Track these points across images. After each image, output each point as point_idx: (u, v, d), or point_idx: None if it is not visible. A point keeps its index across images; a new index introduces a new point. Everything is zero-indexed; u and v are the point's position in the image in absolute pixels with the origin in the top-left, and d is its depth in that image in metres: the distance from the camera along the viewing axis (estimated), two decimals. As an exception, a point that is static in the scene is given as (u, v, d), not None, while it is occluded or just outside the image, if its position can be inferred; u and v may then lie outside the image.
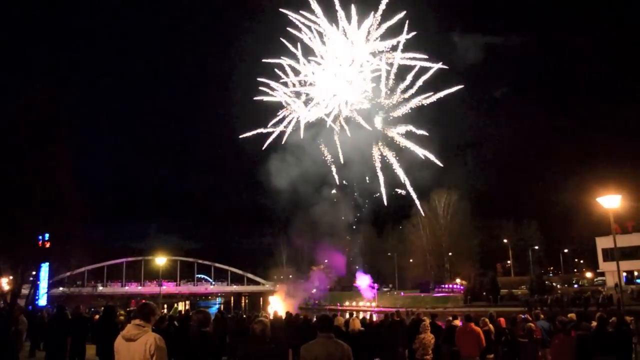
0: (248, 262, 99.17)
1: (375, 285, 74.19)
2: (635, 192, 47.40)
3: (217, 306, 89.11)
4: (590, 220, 54.73)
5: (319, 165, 61.94)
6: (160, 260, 51.33)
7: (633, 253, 53.92)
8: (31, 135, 28.90)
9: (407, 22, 54.33)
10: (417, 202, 67.14)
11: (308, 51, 59.76)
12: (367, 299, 71.66)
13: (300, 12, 56.90)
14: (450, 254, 75.43)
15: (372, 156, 62.56)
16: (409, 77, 57.87)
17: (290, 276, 78.63)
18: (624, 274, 53.24)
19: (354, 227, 74.34)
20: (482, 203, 77.83)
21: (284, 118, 62.13)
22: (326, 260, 66.89)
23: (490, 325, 12.18)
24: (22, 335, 12.79)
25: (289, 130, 61.10)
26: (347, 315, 15.96)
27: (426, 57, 56.24)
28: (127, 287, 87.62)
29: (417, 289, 74.96)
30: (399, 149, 62.30)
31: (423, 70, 57.60)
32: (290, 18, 57.15)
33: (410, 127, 59.92)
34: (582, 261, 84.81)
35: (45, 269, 31.86)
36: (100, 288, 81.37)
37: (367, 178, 66.41)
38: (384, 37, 57.07)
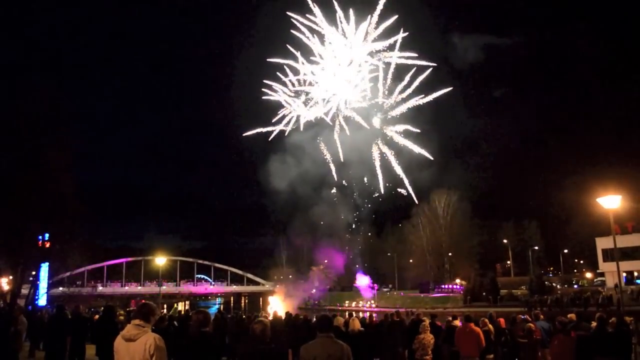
0: (248, 263, 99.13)
1: (375, 285, 74.23)
2: (635, 192, 47.46)
3: (216, 306, 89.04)
4: (590, 221, 54.82)
5: (318, 165, 62.10)
6: (160, 261, 51.35)
7: (633, 253, 53.93)
8: (31, 135, 28.91)
9: (402, 26, 55.08)
10: (417, 201, 67.50)
11: (308, 52, 60.01)
12: (366, 299, 71.66)
13: (304, 15, 57.42)
14: (450, 254, 75.45)
15: (372, 155, 62.76)
16: (407, 77, 58.37)
17: (290, 276, 78.58)
18: (624, 274, 53.25)
19: (354, 227, 74.42)
20: (482, 203, 78.00)
21: (284, 117, 62.32)
22: (326, 261, 66.91)
23: (490, 326, 12.18)
24: (22, 335, 12.78)
25: (289, 128, 61.30)
26: (347, 316, 15.92)
27: (416, 55, 56.81)
28: (126, 287, 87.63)
29: (416, 289, 74.94)
30: (398, 148, 62.54)
31: (419, 71, 58.09)
32: (293, 21, 57.57)
33: (408, 127, 60.28)
34: (582, 261, 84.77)
35: (45, 269, 31.86)
36: (100, 288, 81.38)
37: (365, 179, 66.63)
38: (381, 37, 57.57)
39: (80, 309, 12.93)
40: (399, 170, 62.83)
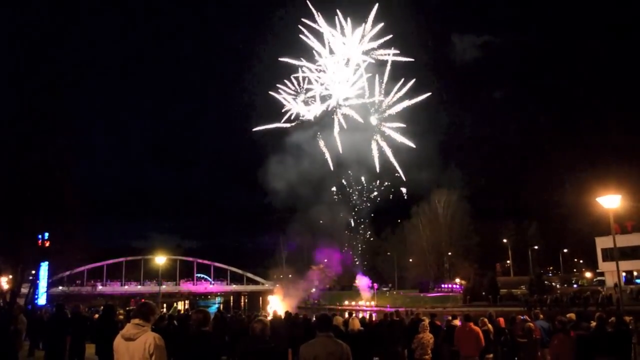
0: (247, 262, 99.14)
1: (375, 284, 74.25)
2: (635, 192, 47.42)
3: (216, 305, 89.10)
4: (590, 220, 54.79)
5: (318, 164, 62.19)
6: (160, 260, 51.25)
7: (633, 253, 53.94)
8: (31, 134, 28.92)
9: (391, 29, 56.33)
10: (406, 196, 67.97)
11: (313, 54, 60.92)
12: (365, 299, 71.74)
13: (311, 20, 58.90)
14: (449, 253, 75.45)
15: (370, 154, 63.06)
16: (400, 83, 59.48)
17: (290, 276, 78.60)
18: (624, 274, 53.27)
19: (353, 226, 74.53)
20: (481, 203, 77.99)
21: (289, 114, 62.71)
22: (325, 260, 66.95)
23: (489, 325, 12.18)
24: (22, 334, 12.77)
25: (288, 125, 61.78)
26: (347, 315, 15.94)
27: (398, 52, 58.52)
28: (126, 287, 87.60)
29: (416, 289, 74.97)
30: (396, 146, 62.86)
31: (412, 73, 59.47)
32: (301, 28, 59.12)
33: (400, 124, 61.03)
34: (581, 261, 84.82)
35: (44, 268, 31.84)
36: (100, 287, 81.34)
37: (363, 178, 66.91)
38: (373, 38, 59.17)
39: (80, 308, 12.92)
40: (395, 162, 63.30)
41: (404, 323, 13.58)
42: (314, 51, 61.47)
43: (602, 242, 58.62)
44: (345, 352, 5.07)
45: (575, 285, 67.69)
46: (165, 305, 64.54)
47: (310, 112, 62.08)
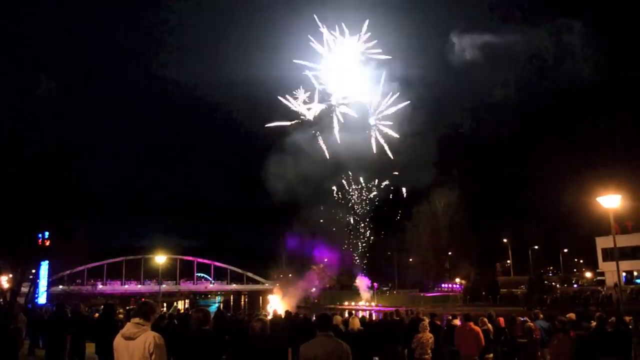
0: (248, 261, 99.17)
1: (375, 284, 74.28)
2: (635, 192, 47.35)
3: (216, 305, 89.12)
4: (590, 220, 54.71)
5: (318, 165, 62.30)
6: (160, 259, 51.25)
7: (633, 253, 53.95)
8: (31, 133, 28.93)
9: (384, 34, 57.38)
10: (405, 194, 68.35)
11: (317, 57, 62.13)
12: (365, 299, 71.82)
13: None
14: (449, 253, 75.44)
15: (370, 152, 63.35)
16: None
17: (290, 275, 78.68)
18: (624, 274, 53.27)
19: (354, 226, 74.61)
20: (481, 203, 77.92)
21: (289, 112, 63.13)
22: (326, 259, 67.04)
23: (489, 325, 12.18)
24: (22, 333, 12.78)
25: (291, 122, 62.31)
26: (347, 315, 15.94)
27: (380, 50, 59.71)
28: (126, 286, 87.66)
29: (416, 288, 75.00)
30: (397, 149, 63.11)
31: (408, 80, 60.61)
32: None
33: (390, 123, 61.81)
34: (581, 261, 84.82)
35: (45, 267, 31.88)
36: (100, 286, 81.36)
37: (361, 179, 67.14)
38: (368, 41, 60.64)
39: (80, 307, 12.94)
40: (392, 156, 63.79)
41: (404, 323, 13.58)
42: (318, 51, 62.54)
43: (602, 242, 58.63)
44: (345, 352, 5.08)
45: (575, 285, 67.68)
46: (165, 304, 64.58)
47: (310, 112, 62.31)
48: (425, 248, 76.72)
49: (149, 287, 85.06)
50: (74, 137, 33.03)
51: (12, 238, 28.05)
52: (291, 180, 62.02)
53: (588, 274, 73.58)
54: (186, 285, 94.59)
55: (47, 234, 29.94)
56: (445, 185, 75.29)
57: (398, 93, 61.87)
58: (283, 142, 63.92)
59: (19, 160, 28.21)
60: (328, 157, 63.45)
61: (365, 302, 70.27)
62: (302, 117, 63.32)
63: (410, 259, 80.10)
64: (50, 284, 34.11)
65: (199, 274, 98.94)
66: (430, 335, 11.29)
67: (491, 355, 12.12)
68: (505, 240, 79.85)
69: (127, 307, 25.88)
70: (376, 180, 67.68)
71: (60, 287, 43.11)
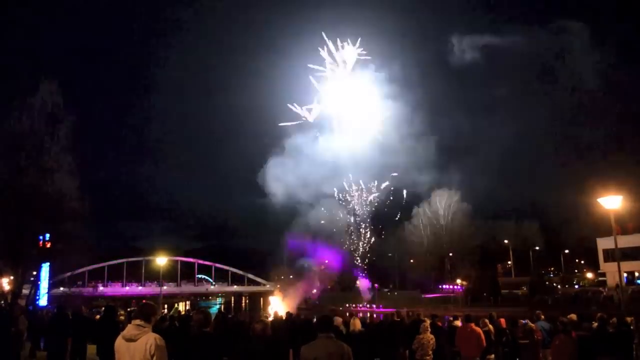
0: (249, 263, 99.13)
1: (376, 285, 74.26)
2: (637, 192, 47.25)
3: (217, 306, 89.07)
4: (591, 221, 54.62)
5: (318, 166, 62.34)
6: (161, 261, 51.29)
7: (634, 254, 53.85)
8: (32, 135, 28.95)
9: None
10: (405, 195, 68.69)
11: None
12: (366, 300, 71.84)
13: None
14: (450, 254, 75.37)
15: (370, 154, 63.50)
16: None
17: (291, 276, 78.67)
18: (625, 274, 53.18)
19: (354, 227, 74.55)
20: (482, 204, 77.87)
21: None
22: (326, 261, 67.03)
23: (490, 326, 12.17)
24: (23, 335, 12.79)
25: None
26: (347, 316, 15.93)
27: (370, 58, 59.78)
28: (127, 288, 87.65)
29: (417, 290, 74.97)
30: (397, 150, 63.21)
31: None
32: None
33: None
34: (582, 262, 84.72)
35: (46, 269, 31.87)
36: (101, 288, 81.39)
37: (361, 182, 67.32)
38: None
39: (81, 309, 12.95)
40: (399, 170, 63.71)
41: (405, 324, 13.56)
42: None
43: (604, 243, 58.53)
44: (346, 353, 5.08)
45: (576, 286, 67.59)
46: (166, 306, 64.58)
47: (310, 114, 62.55)
48: (426, 249, 76.73)
49: (150, 288, 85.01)
50: (75, 137, 32.87)
51: (13, 240, 28.06)
52: (292, 181, 62.08)
53: (589, 275, 73.51)
54: (187, 287, 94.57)
55: (48, 236, 29.95)
56: (446, 186, 75.31)
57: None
58: (284, 143, 64.00)
59: (20, 162, 28.24)
60: (328, 158, 63.50)
61: (366, 303, 70.30)
62: (303, 118, 63.43)
63: (411, 260, 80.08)
64: (51, 286, 34.09)
65: (199, 276, 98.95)
66: (431, 336, 11.27)
67: (492, 356, 12.11)
68: (506, 241, 79.77)
69: (128, 309, 25.87)
70: (375, 182, 67.68)
71: (62, 289, 43.07)
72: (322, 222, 65.70)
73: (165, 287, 79.03)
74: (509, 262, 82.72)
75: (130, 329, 4.75)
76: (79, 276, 69.33)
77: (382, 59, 64.50)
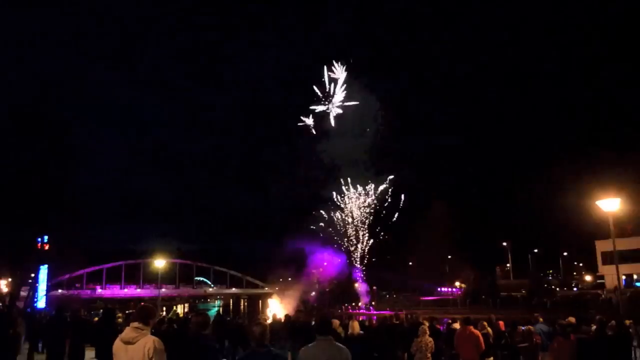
0: (247, 265, 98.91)
1: (374, 288, 74.20)
2: (635, 195, 47.32)
3: (216, 309, 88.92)
4: (590, 224, 54.66)
5: (317, 169, 62.51)
6: (159, 263, 51.18)
7: (632, 256, 53.83)
8: (31, 138, 28.96)
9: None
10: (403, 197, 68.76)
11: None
12: (365, 303, 71.78)
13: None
14: (449, 257, 75.41)
15: (369, 156, 63.75)
16: None
17: (289, 279, 78.60)
18: (623, 277, 53.15)
19: (353, 230, 74.61)
20: (481, 206, 78.04)
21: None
22: (325, 263, 67.04)
23: (489, 329, 12.17)
24: (21, 337, 12.75)
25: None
26: (345, 319, 15.92)
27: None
28: (126, 290, 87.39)
29: (416, 292, 74.91)
30: (397, 152, 63.40)
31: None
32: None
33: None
34: (581, 264, 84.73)
35: (44, 271, 31.83)
36: (99, 290, 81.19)
37: (359, 186, 67.42)
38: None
39: (79, 311, 12.91)
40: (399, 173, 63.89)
41: (404, 326, 13.55)
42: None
43: (602, 246, 58.50)
44: (345, 356, 5.07)
45: (575, 289, 67.58)
46: (164, 308, 64.43)
47: (309, 118, 62.97)
48: (425, 252, 76.73)
49: (149, 291, 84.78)
50: (74, 140, 32.92)
51: (12, 242, 28.04)
52: (291, 184, 62.22)
53: (588, 278, 73.50)
54: (185, 289, 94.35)
55: (46, 238, 29.93)
56: (446, 188, 75.47)
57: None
58: (283, 145, 64.25)
59: (19, 165, 28.25)
60: (327, 161, 63.73)
61: (365, 306, 70.23)
62: (302, 122, 63.75)
63: (410, 263, 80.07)
64: (50, 288, 34.03)
65: (198, 278, 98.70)
66: (430, 339, 11.26)
67: (491, 359, 12.10)
68: (505, 243, 79.81)
69: (127, 311, 25.82)
70: (373, 185, 67.89)
71: (60, 291, 43.10)
72: (321, 224, 65.81)
73: (163, 290, 78.84)
74: (508, 265, 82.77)
75: (128, 332, 4.73)
76: (77, 278, 69.30)
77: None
